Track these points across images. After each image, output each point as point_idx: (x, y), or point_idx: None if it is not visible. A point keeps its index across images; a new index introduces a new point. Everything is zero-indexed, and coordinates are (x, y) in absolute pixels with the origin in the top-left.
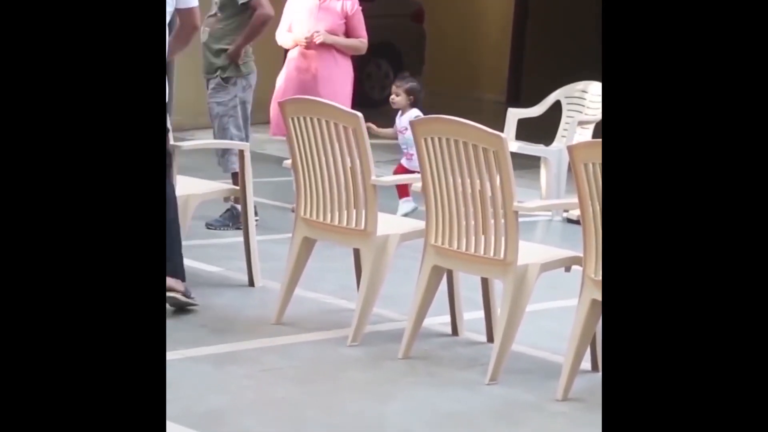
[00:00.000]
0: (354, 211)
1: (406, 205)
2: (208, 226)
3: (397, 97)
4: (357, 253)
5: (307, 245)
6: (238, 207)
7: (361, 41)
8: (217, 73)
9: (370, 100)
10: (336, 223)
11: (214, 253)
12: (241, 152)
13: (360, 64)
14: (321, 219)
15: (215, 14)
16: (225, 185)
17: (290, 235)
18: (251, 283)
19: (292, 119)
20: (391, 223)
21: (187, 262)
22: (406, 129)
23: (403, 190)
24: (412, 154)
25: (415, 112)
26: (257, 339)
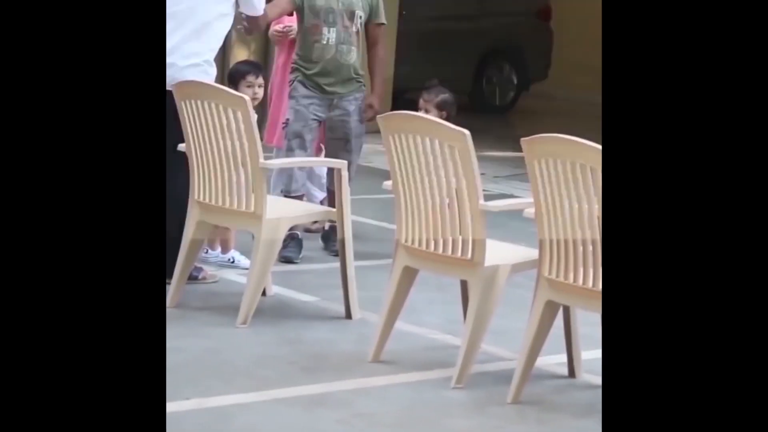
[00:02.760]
0: (460, 239)
1: None
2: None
3: (427, 113)
4: (464, 283)
5: (409, 275)
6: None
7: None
8: (360, 89)
9: (491, 107)
10: (440, 251)
11: (310, 281)
12: (338, 171)
13: (479, 66)
14: (423, 247)
15: (358, 32)
16: (320, 207)
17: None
18: (348, 315)
19: (393, 136)
20: (502, 252)
21: (281, 291)
22: None
23: None
24: None
25: None
26: (352, 379)
